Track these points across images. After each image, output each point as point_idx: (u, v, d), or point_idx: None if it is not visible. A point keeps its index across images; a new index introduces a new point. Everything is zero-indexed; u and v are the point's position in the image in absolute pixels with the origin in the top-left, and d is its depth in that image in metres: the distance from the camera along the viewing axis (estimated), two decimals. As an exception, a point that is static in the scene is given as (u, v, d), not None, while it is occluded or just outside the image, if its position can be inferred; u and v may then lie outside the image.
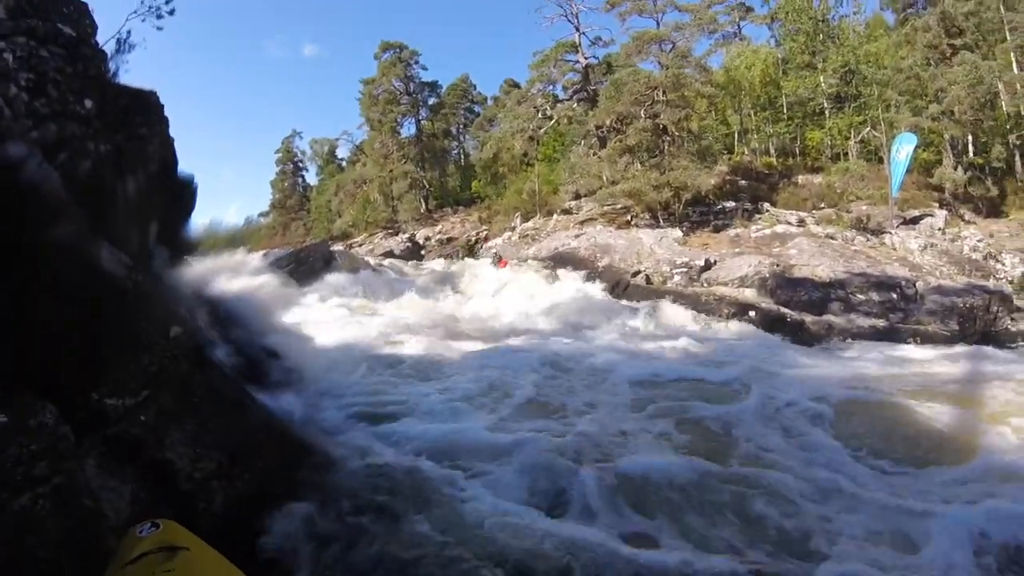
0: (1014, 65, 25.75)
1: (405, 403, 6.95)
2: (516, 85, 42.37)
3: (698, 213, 24.48)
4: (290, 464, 4.48)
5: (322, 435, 5.45)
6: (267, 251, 23.88)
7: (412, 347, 10.45)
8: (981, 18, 26.15)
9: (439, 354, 9.97)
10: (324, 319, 12.60)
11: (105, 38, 5.59)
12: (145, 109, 5.34)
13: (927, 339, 14.23)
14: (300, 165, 56.25)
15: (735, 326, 15.66)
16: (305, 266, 19.05)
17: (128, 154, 4.84)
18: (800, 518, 4.52)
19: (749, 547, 4.20)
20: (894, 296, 16.03)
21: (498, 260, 23.17)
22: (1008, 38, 26.17)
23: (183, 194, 6.18)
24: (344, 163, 52.59)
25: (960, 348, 12.81)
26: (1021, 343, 14.43)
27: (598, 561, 3.83)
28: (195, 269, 6.87)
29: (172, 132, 5.71)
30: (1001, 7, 26.50)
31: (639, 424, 6.51)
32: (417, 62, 42.59)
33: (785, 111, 31.59)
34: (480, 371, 8.44)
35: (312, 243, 28.66)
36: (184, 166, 5.88)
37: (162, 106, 5.57)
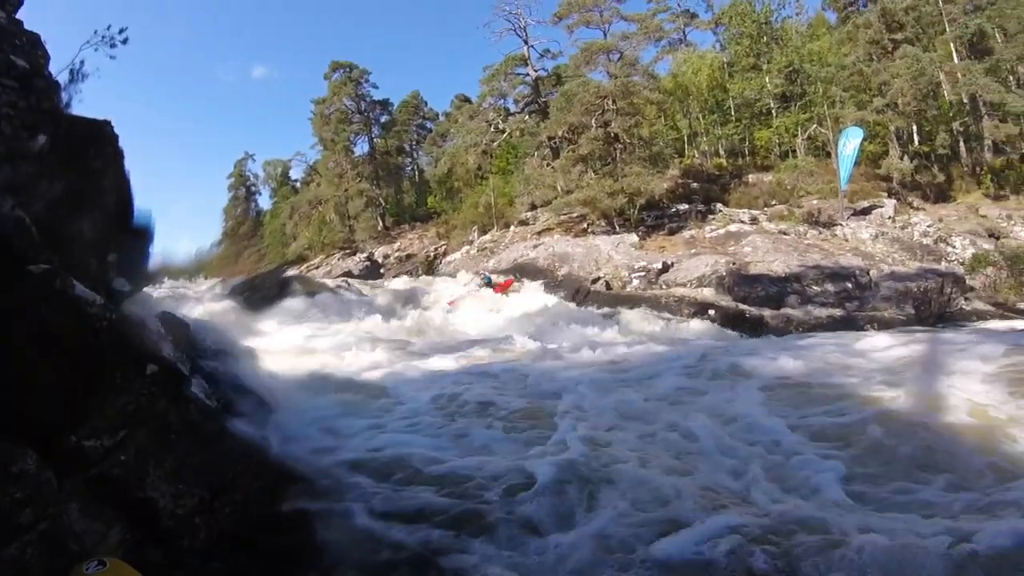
0: (954, 55, 26.80)
1: (370, 424, 6.89)
2: (467, 100, 42.49)
3: (653, 217, 24.73)
4: (272, 494, 4.45)
5: (299, 462, 5.37)
6: (223, 279, 23.39)
7: (371, 367, 10.38)
8: (920, 12, 26.86)
9: (399, 372, 9.89)
10: (282, 345, 12.34)
11: (57, 68, 5.46)
12: (99, 140, 5.15)
13: (884, 325, 14.52)
14: (253, 189, 55.93)
15: (696, 325, 15.82)
16: (260, 293, 18.75)
17: (83, 191, 4.74)
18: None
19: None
20: (849, 286, 16.30)
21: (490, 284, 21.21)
22: (947, 29, 27.21)
23: (141, 228, 5.95)
24: (298, 184, 52.13)
25: (916, 332, 12.81)
26: (976, 321, 14.61)
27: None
28: (155, 300, 6.67)
29: (127, 164, 5.49)
30: (939, 0, 27.39)
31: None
32: (368, 80, 42.53)
33: (733, 113, 32.16)
34: (440, 388, 8.37)
35: (266, 270, 28.12)
36: (138, 201, 5.60)
37: (116, 137, 5.34)
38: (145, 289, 6.42)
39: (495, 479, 5.04)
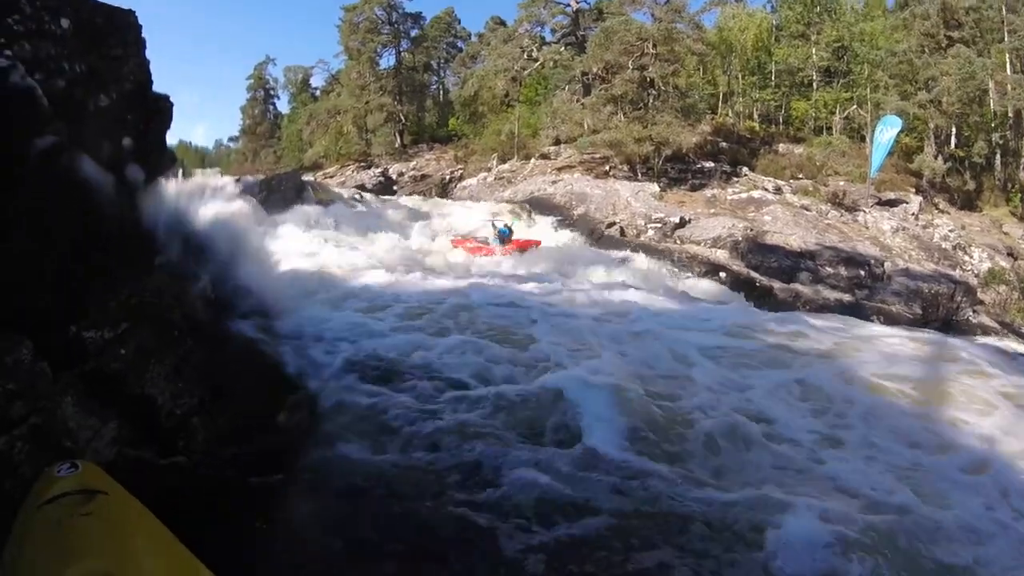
0: (1008, 66, 25.90)
1: (379, 336, 6.66)
2: (503, 23, 41.26)
3: (677, 170, 24.43)
4: (271, 399, 4.32)
5: (301, 368, 5.22)
6: (239, 177, 23.24)
7: (377, 279, 10.16)
8: (982, 15, 26.17)
9: (402, 288, 9.60)
10: (297, 250, 12.33)
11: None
12: (122, 29, 5.07)
13: (890, 319, 14.38)
14: (272, 92, 54.67)
15: (705, 284, 15.64)
16: (277, 195, 18.76)
17: (102, 73, 4.61)
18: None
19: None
20: (862, 273, 16.22)
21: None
22: (1006, 38, 26.26)
23: (158, 110, 5.80)
24: (318, 93, 50.78)
25: (923, 333, 12.68)
26: (979, 335, 14.55)
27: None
28: (170, 191, 6.60)
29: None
30: (1003, 8, 26.55)
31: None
32: (402, -10, 40.93)
33: (773, 78, 31.45)
34: (455, 308, 8.12)
35: (284, 172, 27.70)
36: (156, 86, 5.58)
37: (140, 27, 5.30)
38: (162, 180, 6.40)
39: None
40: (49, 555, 2.06)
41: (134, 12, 5.28)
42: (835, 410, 5.33)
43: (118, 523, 2.23)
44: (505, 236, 16.54)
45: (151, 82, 5.57)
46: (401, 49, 41.62)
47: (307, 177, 28.32)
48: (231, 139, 54.78)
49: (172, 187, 6.83)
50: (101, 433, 3.10)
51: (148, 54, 5.34)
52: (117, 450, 3.12)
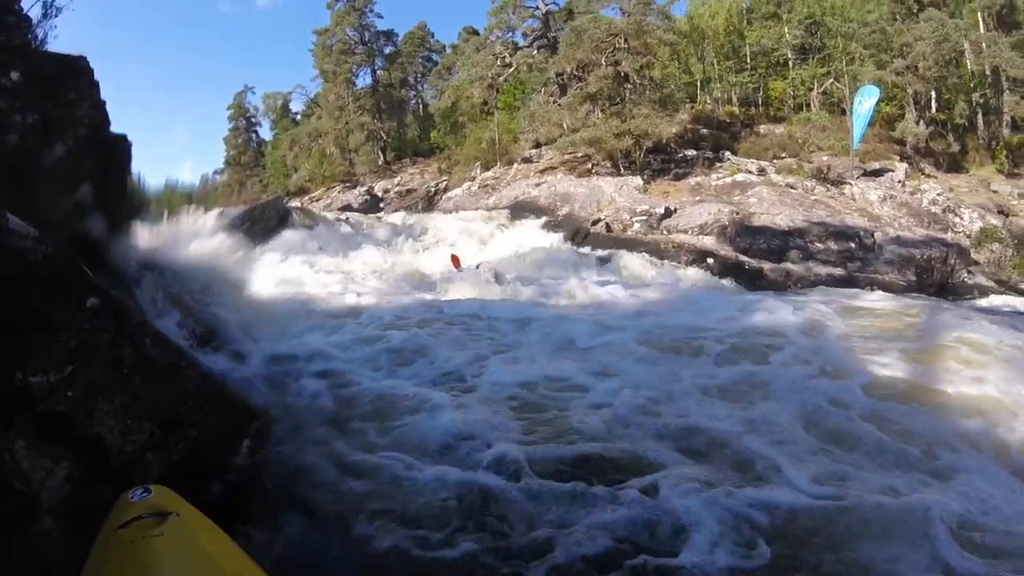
0: (980, 25, 26.07)
1: (357, 359, 6.65)
2: (475, 32, 41.15)
3: (659, 161, 24.35)
4: (232, 429, 4.30)
5: (266, 397, 5.25)
6: (222, 210, 23.36)
7: (366, 301, 10.21)
8: None
9: (393, 307, 9.72)
10: (277, 278, 12.20)
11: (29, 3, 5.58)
12: (74, 75, 5.21)
13: (885, 288, 14.34)
14: (253, 120, 54.72)
15: (693, 273, 15.78)
16: (260, 224, 18.67)
17: (55, 121, 4.77)
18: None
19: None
20: (852, 246, 16.15)
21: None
22: None
23: (116, 152, 5.96)
24: (298, 117, 51.20)
25: (917, 299, 12.59)
26: (976, 296, 14.47)
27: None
28: (145, 234, 6.73)
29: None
30: None
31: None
32: (372, 10, 40.95)
33: (748, 61, 31.46)
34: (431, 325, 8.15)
35: (267, 200, 27.73)
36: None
37: (91, 71, 5.42)
38: (134, 220, 6.40)
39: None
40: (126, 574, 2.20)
41: (85, 57, 5.36)
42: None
43: (190, 541, 2.35)
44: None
45: (108, 123, 5.68)
46: (376, 67, 41.77)
47: (293, 203, 28.32)
48: (216, 172, 54.60)
49: (144, 230, 6.84)
50: (54, 473, 3.12)
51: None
52: (70, 489, 3.12)
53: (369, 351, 6.91)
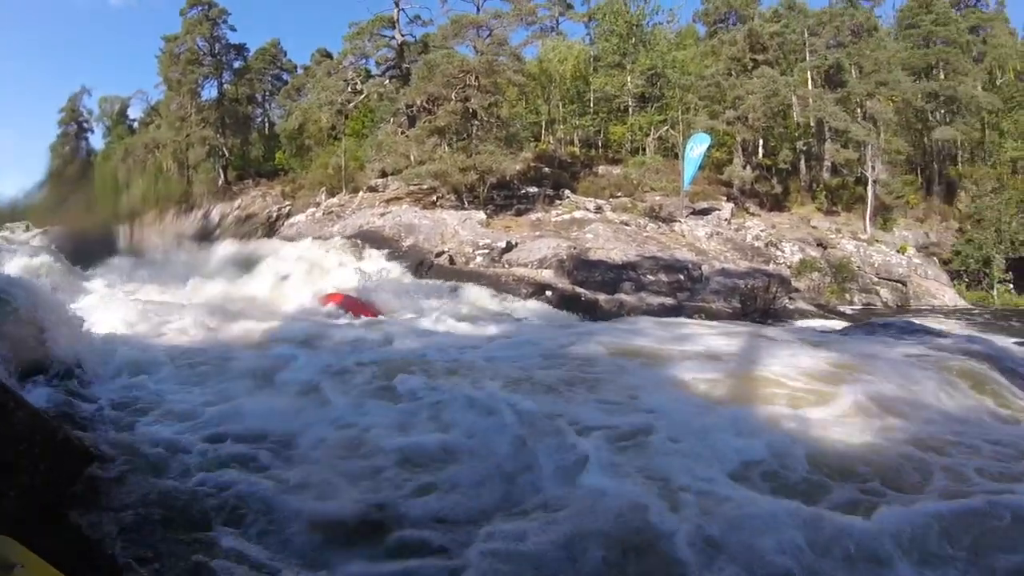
0: (809, 82, 28.69)
1: (183, 399, 6.17)
2: (328, 56, 40.61)
3: (502, 197, 24.76)
4: (65, 473, 3.94)
5: (101, 437, 4.82)
6: (46, 229, 21.65)
7: (191, 336, 9.71)
8: (785, 38, 29.23)
9: (220, 342, 9.28)
10: (105, 306, 11.47)
11: None
12: None
13: (712, 316, 15.01)
14: (86, 126, 50.29)
15: (532, 304, 15.98)
16: (87, 248, 17.45)
17: None
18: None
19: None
20: (682, 277, 16.79)
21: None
22: (808, 58, 29.23)
23: None
24: (136, 125, 47.87)
25: (739, 325, 13.01)
26: (797, 319, 15.34)
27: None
28: None
29: None
30: (805, 31, 29.70)
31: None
32: (225, 22, 39.23)
33: (592, 105, 32.65)
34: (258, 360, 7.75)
35: (93, 223, 25.68)
36: None
37: None
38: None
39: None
40: None
41: None
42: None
43: None
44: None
45: None
46: (224, 80, 39.94)
47: (122, 226, 26.26)
48: (37, 186, 49.32)
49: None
50: None
51: None
52: None
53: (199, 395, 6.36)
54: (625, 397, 5.88)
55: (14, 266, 8.07)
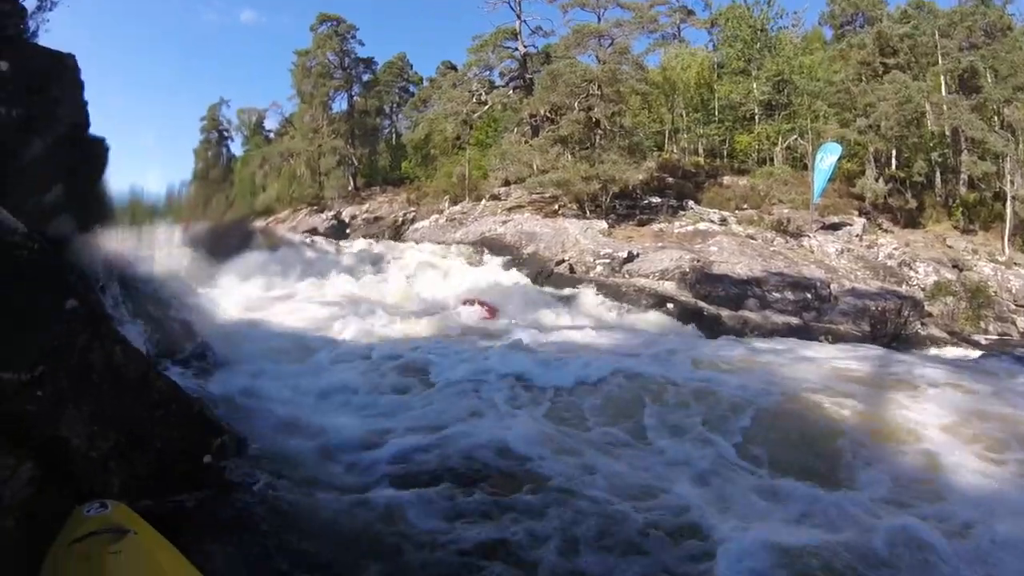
0: (943, 87, 26.92)
1: (314, 388, 6.69)
2: (453, 68, 41.60)
3: (624, 206, 24.73)
4: (196, 444, 4.32)
5: (230, 415, 5.25)
6: (186, 225, 23.30)
7: (323, 327, 10.27)
8: (916, 41, 27.40)
9: (351, 337, 9.74)
10: (238, 297, 12.29)
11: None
12: (60, 72, 5.16)
13: (839, 338, 14.52)
14: (225, 135, 53.49)
15: (652, 316, 15.90)
16: (224, 242, 18.56)
17: (37, 117, 4.72)
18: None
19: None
20: (809, 296, 16.38)
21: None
22: (940, 62, 27.39)
23: (93, 154, 5.90)
24: (271, 135, 50.44)
25: (870, 349, 12.65)
26: (929, 346, 14.66)
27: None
28: (112, 241, 6.68)
29: (91, 94, 5.57)
30: (936, 32, 27.82)
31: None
32: (354, 37, 41.05)
33: (717, 114, 32.10)
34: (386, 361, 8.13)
35: (233, 219, 27.48)
36: (102, 129, 5.50)
37: (78, 69, 5.39)
38: (101, 226, 6.39)
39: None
40: None
41: (73, 55, 5.29)
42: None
43: (147, 561, 2.34)
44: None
45: (88, 124, 5.64)
46: (353, 93, 41.68)
47: (258, 223, 28.01)
48: (183, 184, 53.17)
49: (110, 237, 6.78)
50: (19, 473, 3.09)
51: (93, 94, 5.43)
52: (32, 492, 3.09)
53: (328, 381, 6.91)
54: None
55: (157, 256, 8.97)
